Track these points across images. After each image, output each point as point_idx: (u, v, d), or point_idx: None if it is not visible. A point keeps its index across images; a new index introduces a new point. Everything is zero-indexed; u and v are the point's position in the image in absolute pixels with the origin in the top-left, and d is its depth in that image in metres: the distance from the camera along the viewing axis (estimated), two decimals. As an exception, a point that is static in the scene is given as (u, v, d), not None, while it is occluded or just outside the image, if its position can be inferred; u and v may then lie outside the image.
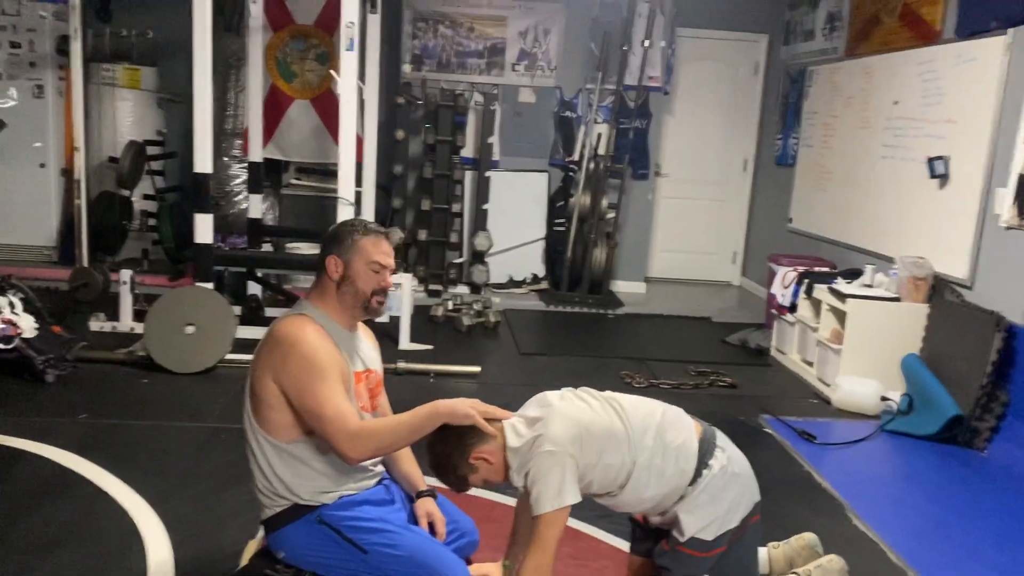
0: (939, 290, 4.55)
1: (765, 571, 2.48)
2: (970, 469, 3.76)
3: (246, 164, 6.03)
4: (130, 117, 6.66)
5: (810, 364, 4.97)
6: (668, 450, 2.09)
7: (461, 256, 6.96)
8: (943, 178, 4.65)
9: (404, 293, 5.13)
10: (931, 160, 4.68)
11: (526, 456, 2.03)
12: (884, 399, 4.33)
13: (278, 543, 2.10)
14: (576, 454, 2.03)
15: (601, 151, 6.96)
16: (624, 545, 2.75)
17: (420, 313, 5.64)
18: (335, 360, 2.04)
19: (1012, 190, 4.08)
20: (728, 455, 2.15)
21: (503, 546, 2.58)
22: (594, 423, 2.07)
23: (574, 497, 2.00)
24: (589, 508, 2.07)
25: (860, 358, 4.52)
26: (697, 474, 2.09)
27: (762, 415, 4.24)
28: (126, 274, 4.90)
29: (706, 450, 2.12)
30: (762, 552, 2.44)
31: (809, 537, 2.56)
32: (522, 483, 2.05)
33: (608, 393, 2.22)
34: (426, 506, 2.26)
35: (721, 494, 2.10)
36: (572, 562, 2.64)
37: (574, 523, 2.88)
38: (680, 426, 2.14)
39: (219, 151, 6.40)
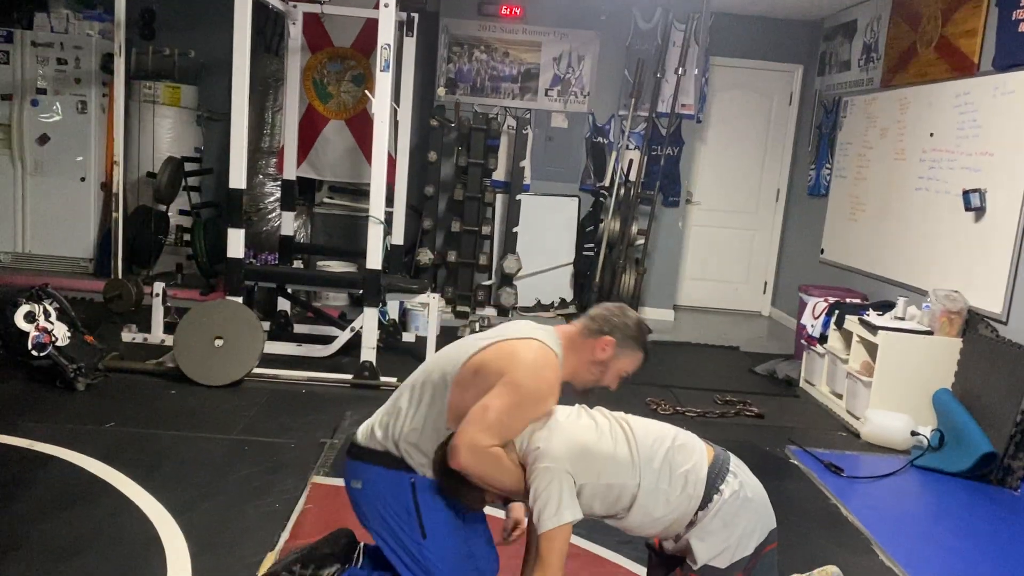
0: (973, 324, 4.47)
1: None
2: (1003, 508, 3.67)
3: (280, 182, 6.11)
4: (169, 133, 6.80)
5: (839, 396, 4.89)
6: (675, 475, 2.06)
7: (490, 278, 6.98)
8: (979, 211, 4.59)
9: (431, 314, 5.15)
10: (967, 192, 4.62)
11: (527, 472, 2.03)
12: (914, 434, 4.25)
13: (359, 473, 2.15)
14: (573, 472, 2.01)
15: (632, 177, 6.97)
16: (642, 572, 2.71)
17: (447, 335, 5.65)
18: (546, 405, 2.07)
19: (1049, 224, 4.01)
20: (740, 480, 2.10)
21: (515, 566, 2.57)
22: (595, 444, 2.05)
23: (573, 514, 1.98)
24: (609, 534, 2.05)
25: (890, 391, 4.45)
26: (707, 499, 2.05)
27: (789, 446, 4.18)
28: (159, 287, 4.98)
29: (716, 475, 2.08)
30: None
31: (832, 570, 2.51)
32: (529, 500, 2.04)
33: (620, 414, 2.20)
34: (516, 512, 2.33)
35: (734, 520, 2.06)
36: (590, 587, 2.61)
37: (593, 547, 2.85)
38: (690, 451, 2.11)
39: (254, 168, 6.51)
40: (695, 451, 2.11)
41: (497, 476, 2.03)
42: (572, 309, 7.13)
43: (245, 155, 4.51)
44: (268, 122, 6.66)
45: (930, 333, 4.51)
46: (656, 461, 2.06)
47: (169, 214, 6.53)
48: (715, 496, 2.05)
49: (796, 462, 3.98)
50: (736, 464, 2.14)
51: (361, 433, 2.21)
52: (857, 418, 4.58)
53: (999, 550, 3.24)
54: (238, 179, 4.49)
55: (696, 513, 2.05)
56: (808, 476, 3.81)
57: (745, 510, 2.07)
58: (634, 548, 2.80)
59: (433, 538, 2.10)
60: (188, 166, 6.53)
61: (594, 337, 2.18)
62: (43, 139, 6.57)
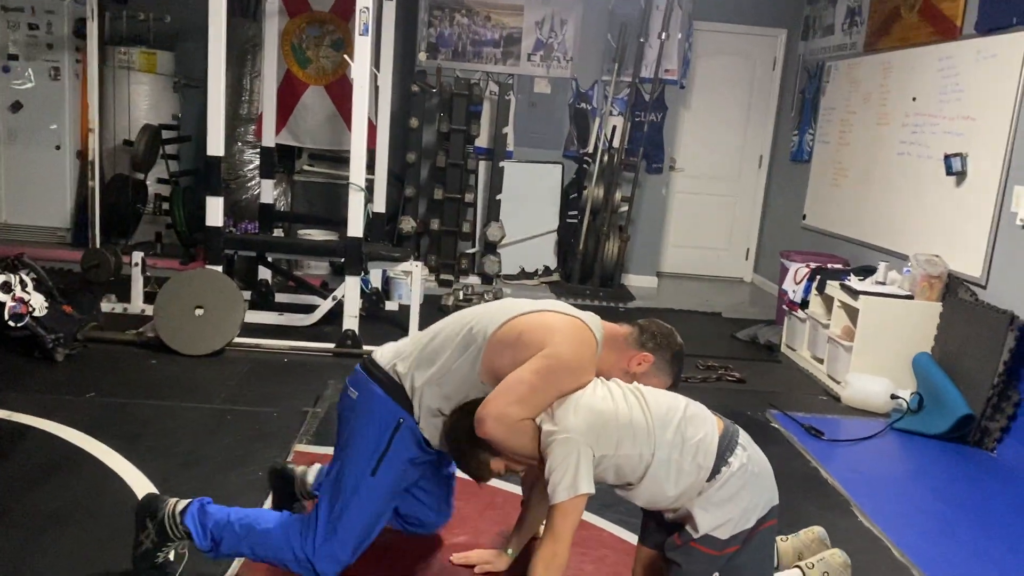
0: (953, 289, 4.51)
1: (774, 564, 2.47)
2: (979, 469, 3.73)
3: (259, 149, 6.03)
4: (146, 101, 6.69)
5: (820, 361, 4.93)
6: (687, 445, 2.07)
7: (473, 246, 6.96)
8: (960, 176, 4.60)
9: (414, 282, 5.13)
10: (948, 157, 4.63)
11: (544, 443, 2.03)
12: (894, 397, 4.29)
13: (362, 386, 2.20)
14: (592, 444, 2.02)
15: (616, 144, 6.94)
16: (626, 535, 2.74)
17: (430, 303, 5.65)
18: (578, 382, 2.09)
19: (1029, 188, 4.03)
20: (748, 454, 2.13)
21: (507, 531, 2.59)
22: (614, 414, 2.06)
23: (588, 486, 1.99)
24: (593, 497, 2.05)
25: (871, 356, 4.48)
26: (716, 471, 2.07)
27: (770, 410, 4.22)
28: (138, 256, 4.93)
29: (726, 447, 2.10)
30: None
31: (818, 530, 2.54)
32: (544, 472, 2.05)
33: (634, 384, 2.21)
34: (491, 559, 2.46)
35: (739, 493, 2.08)
36: (573, 550, 2.61)
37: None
38: (701, 422, 2.12)
39: (233, 136, 6.42)
40: (706, 422, 2.13)
41: (520, 446, 2.05)
42: (556, 277, 7.13)
43: (223, 122, 4.44)
44: (246, 88, 6.56)
45: (910, 298, 4.55)
46: (669, 431, 2.07)
47: (147, 183, 6.43)
48: (723, 468, 2.07)
49: (777, 426, 4.02)
50: (745, 438, 2.17)
51: (382, 356, 2.25)
52: (838, 382, 4.62)
53: (975, 510, 3.30)
54: (216, 147, 4.42)
55: (703, 484, 2.07)
56: (789, 439, 3.85)
57: (751, 484, 2.10)
58: (615, 511, 2.83)
59: (377, 481, 2.15)
60: (166, 134, 6.43)
61: (636, 348, 2.26)
62: (16, 106, 6.45)
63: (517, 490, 2.95)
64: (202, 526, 2.18)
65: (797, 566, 2.32)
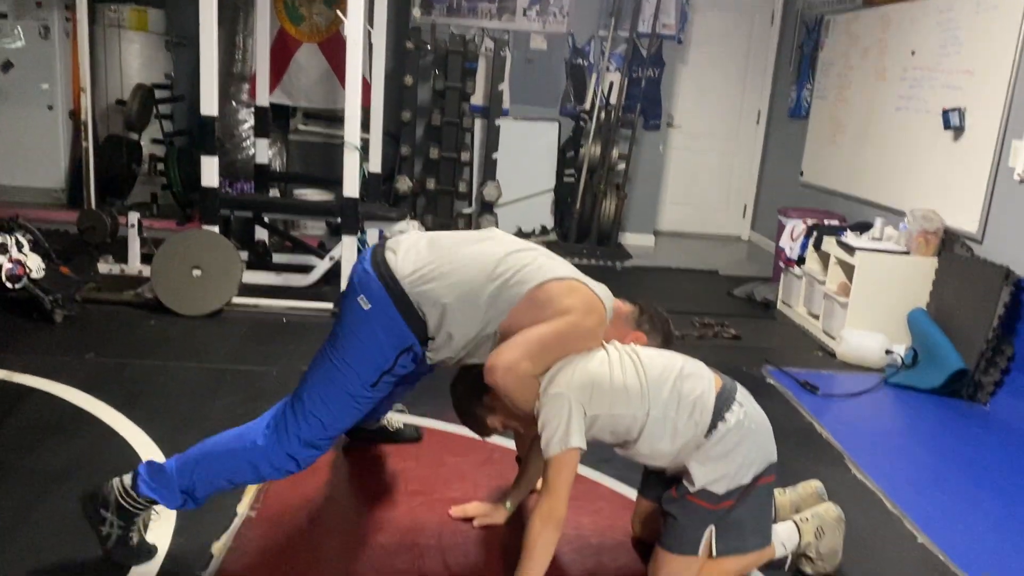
0: (949, 244, 4.52)
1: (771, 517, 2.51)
2: (972, 422, 3.77)
3: (253, 108, 5.98)
4: (137, 60, 6.61)
5: (816, 317, 4.96)
6: (683, 402, 2.09)
7: (470, 206, 6.94)
8: (958, 130, 4.58)
9: (411, 240, 5.13)
10: (946, 112, 4.60)
11: (539, 398, 2.06)
12: (889, 352, 4.32)
13: (375, 300, 2.08)
14: (584, 401, 2.04)
15: (613, 100, 6.88)
16: (623, 489, 2.78)
17: (427, 261, 5.64)
18: (587, 344, 2.12)
19: (1027, 143, 4.01)
20: (746, 411, 2.15)
21: (504, 487, 2.62)
22: (608, 376, 2.08)
23: (579, 441, 2.01)
24: (590, 452, 2.08)
25: (866, 311, 4.51)
26: (712, 427, 2.09)
27: (765, 366, 4.25)
28: (134, 217, 4.92)
29: (723, 404, 2.12)
30: None
31: (815, 484, 2.58)
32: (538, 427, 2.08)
33: (630, 344, 2.23)
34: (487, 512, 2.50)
35: (736, 449, 2.11)
36: (571, 503, 2.65)
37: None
38: (698, 379, 2.15)
39: (226, 95, 6.35)
40: (703, 379, 2.15)
41: (524, 401, 2.07)
42: (553, 236, 7.12)
43: (216, 81, 4.40)
44: (239, 46, 6.47)
45: (906, 253, 4.55)
46: (665, 390, 2.09)
47: (141, 143, 6.39)
48: (720, 424, 2.10)
49: (772, 381, 4.05)
50: (743, 394, 2.19)
51: (399, 267, 2.10)
52: (833, 338, 4.65)
53: (968, 462, 3.34)
54: (210, 106, 4.38)
55: (700, 440, 2.10)
56: (784, 395, 3.88)
57: (747, 440, 2.13)
58: (612, 466, 2.86)
59: (375, 391, 2.13)
60: (159, 93, 6.36)
61: (633, 327, 2.33)
62: (6, 66, 6.38)
63: (514, 446, 2.99)
64: (163, 484, 2.11)
65: (792, 520, 2.36)
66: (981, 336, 3.99)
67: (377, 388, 2.13)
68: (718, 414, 2.10)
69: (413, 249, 2.14)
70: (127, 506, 2.10)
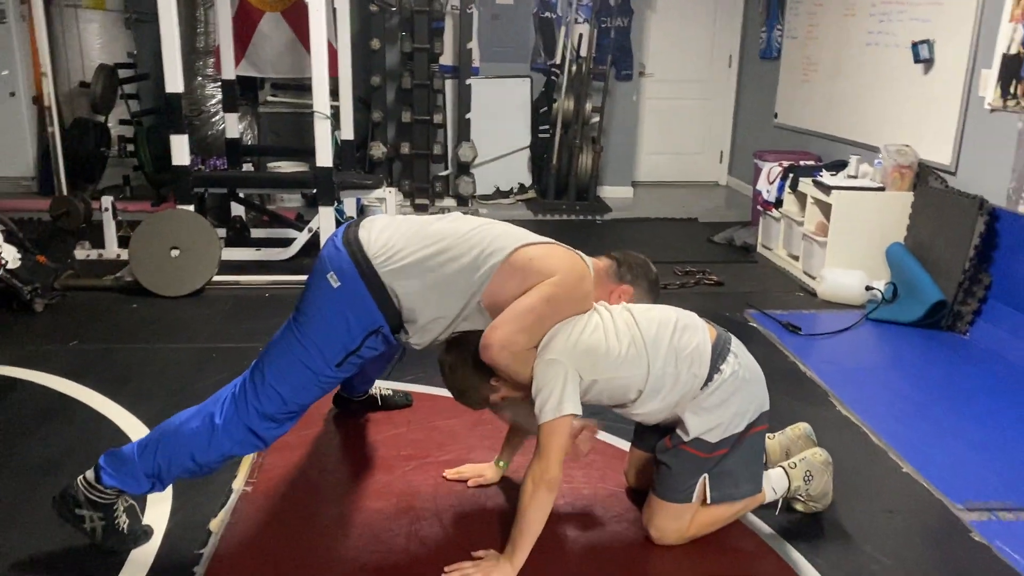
0: (923, 177, 4.54)
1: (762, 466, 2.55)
2: (952, 352, 3.83)
3: (220, 83, 5.89)
4: (98, 39, 6.49)
5: (796, 258, 4.99)
6: (681, 357, 2.10)
7: (446, 168, 6.90)
8: (927, 63, 4.58)
9: (389, 208, 5.10)
10: (915, 44, 4.60)
11: (534, 365, 2.06)
12: (869, 288, 4.37)
13: (346, 278, 2.02)
14: (580, 368, 2.05)
15: (583, 53, 6.82)
16: (614, 440, 2.82)
17: (406, 226, 5.62)
18: (577, 310, 2.11)
19: (996, 71, 4.02)
20: (740, 361, 2.18)
21: (496, 446, 2.65)
22: (603, 344, 2.07)
23: (573, 407, 2.01)
24: (582, 406, 2.09)
25: (845, 249, 4.54)
26: (708, 379, 2.12)
27: (748, 310, 4.29)
28: (107, 200, 4.87)
29: (719, 355, 2.14)
30: None
31: (804, 427, 2.61)
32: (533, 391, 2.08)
33: (622, 304, 2.23)
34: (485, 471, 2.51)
35: (731, 399, 2.14)
36: (562, 458, 2.71)
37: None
38: (693, 332, 2.16)
39: (192, 70, 6.26)
40: (698, 331, 2.16)
41: (522, 374, 2.06)
42: (531, 194, 7.11)
43: (179, 57, 4.32)
44: (200, 20, 6.36)
45: (882, 189, 4.58)
46: (662, 348, 2.10)
47: (109, 125, 6.29)
48: (716, 376, 2.12)
49: (755, 325, 4.09)
50: (737, 345, 2.21)
51: (371, 245, 2.05)
52: (813, 278, 4.69)
53: (949, 391, 3.40)
54: (175, 83, 4.32)
55: (697, 391, 2.12)
56: (767, 337, 3.93)
57: (741, 390, 2.15)
58: (600, 419, 2.89)
59: (339, 371, 2.08)
60: (122, 73, 6.26)
61: (616, 282, 2.31)
62: (-37, 55, 6.23)
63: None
64: (125, 472, 2.07)
65: (781, 466, 2.40)
66: (958, 267, 4.04)
67: (341, 368, 2.08)
68: (714, 366, 2.12)
69: (387, 230, 2.09)
70: (97, 499, 2.07)
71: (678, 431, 2.18)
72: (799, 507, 2.41)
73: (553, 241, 2.16)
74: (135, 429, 2.86)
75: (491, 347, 2.00)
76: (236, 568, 2.11)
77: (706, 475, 2.17)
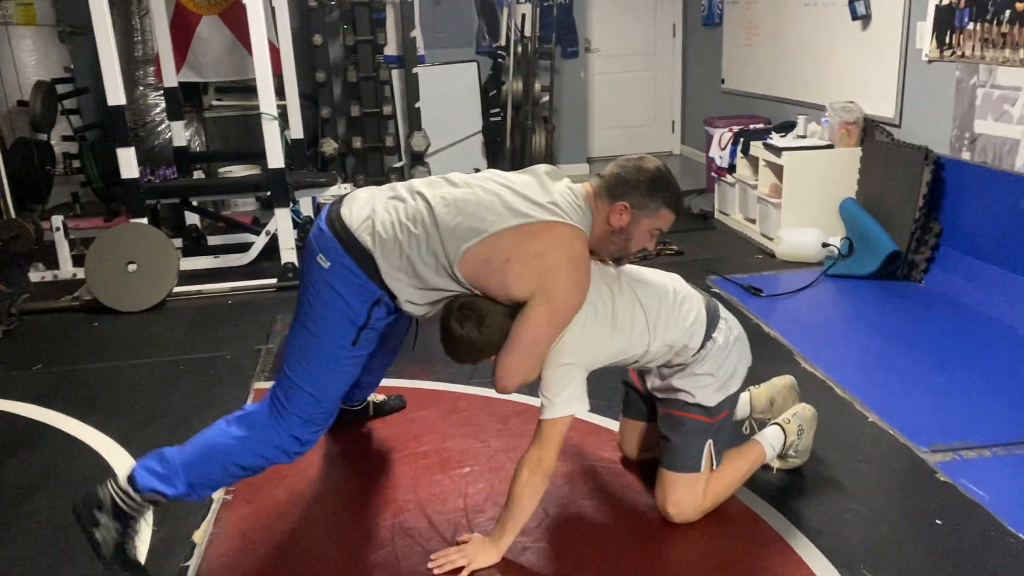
0: (870, 132, 4.63)
1: (747, 412, 2.61)
2: (909, 300, 3.93)
3: (162, 91, 5.80)
4: (32, 56, 6.33)
5: (752, 222, 5.07)
6: (683, 328, 2.13)
7: (400, 160, 6.86)
8: (865, 19, 4.65)
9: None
10: (851, 1, 4.67)
11: (545, 363, 2.03)
12: (825, 245, 4.46)
13: (333, 257, 1.98)
14: (590, 363, 2.07)
15: (527, 33, 6.81)
16: (587, 417, 2.85)
17: (365, 221, 5.59)
18: (583, 295, 1.98)
19: (931, 23, 4.10)
20: (729, 325, 2.23)
21: (473, 433, 2.68)
22: (610, 335, 2.07)
23: (581, 405, 2.02)
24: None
25: (800, 209, 4.62)
26: (702, 345, 2.16)
27: (710, 276, 4.35)
28: (57, 220, 4.78)
29: (711, 322, 2.18)
30: (743, 395, 2.55)
31: (789, 379, 2.67)
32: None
33: (621, 277, 2.15)
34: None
35: (725, 362, 2.19)
36: (538, 438, 2.74)
37: (536, 402, 2.97)
38: (691, 299, 2.19)
39: (132, 80, 6.15)
40: (694, 300, 2.20)
41: (530, 369, 2.02)
42: (487, 177, 7.10)
43: (118, 68, 4.24)
44: (137, 28, 6.23)
45: (831, 147, 4.66)
46: (663, 320, 2.11)
47: (52, 142, 6.16)
48: (708, 343, 2.17)
49: (718, 291, 4.16)
50: (724, 310, 2.27)
51: (353, 219, 1.99)
52: (771, 239, 4.77)
53: (908, 339, 3.49)
54: (116, 95, 4.24)
55: (691, 357, 2.16)
56: (730, 302, 3.99)
57: (733, 353, 2.21)
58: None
59: (357, 350, 2.06)
60: (61, 88, 6.12)
61: (607, 202, 2.02)
62: None
63: (480, 392, 3.05)
64: (167, 473, 2.02)
65: (776, 423, 2.45)
66: (909, 217, 4.13)
67: (358, 346, 2.05)
68: (708, 333, 2.17)
69: (369, 203, 2.05)
70: (124, 507, 2.01)
71: (679, 398, 2.20)
72: (777, 464, 2.46)
73: (537, 216, 1.94)
74: (109, 448, 2.84)
75: (507, 389, 2.01)
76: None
77: (711, 440, 2.20)
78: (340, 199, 2.12)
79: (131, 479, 2.02)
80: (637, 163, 2.06)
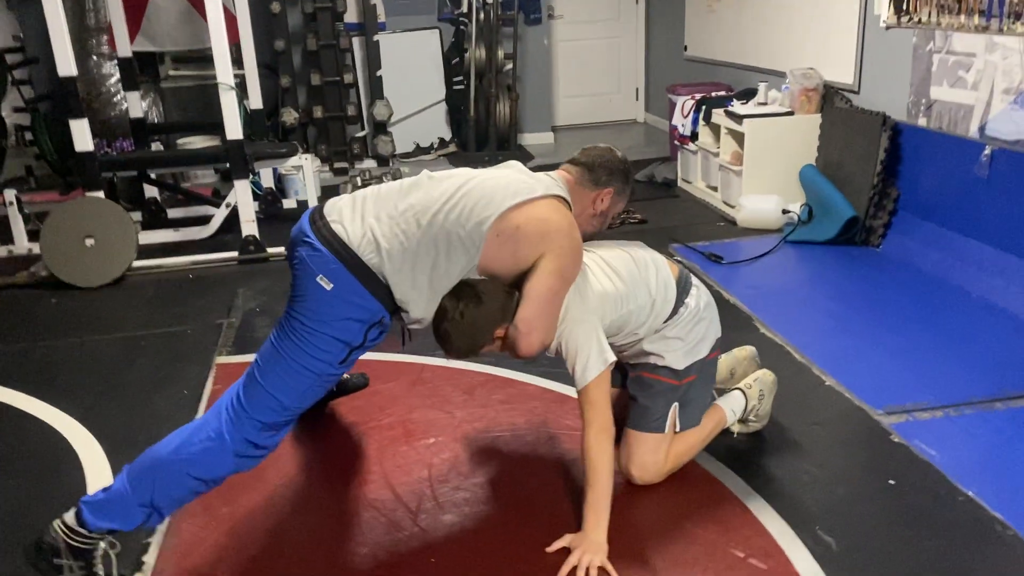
0: (829, 99, 4.66)
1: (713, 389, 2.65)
2: (867, 265, 3.99)
3: (116, 61, 5.66)
4: (-22, 25, 6.14)
5: (714, 189, 5.10)
6: (659, 291, 2.18)
7: (363, 129, 6.79)
8: (825, -15, 4.67)
9: (308, 176, 5.03)
10: (812, -32, 4.68)
11: (561, 331, 2.06)
12: (785, 212, 4.51)
13: (338, 276, 1.91)
14: (601, 315, 2.10)
15: None
16: (551, 385, 2.89)
17: (328, 194, 5.55)
18: (580, 260, 2.07)
19: (889, -11, 4.13)
20: (700, 292, 2.29)
21: (438, 404, 2.68)
22: (608, 291, 2.12)
23: (610, 354, 2.05)
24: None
25: (761, 176, 4.66)
26: (675, 310, 2.21)
27: (672, 244, 4.38)
28: (10, 194, 4.67)
29: (683, 288, 2.24)
30: None
31: (750, 349, 2.72)
32: (553, 348, 2.08)
33: (595, 256, 2.20)
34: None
35: (695, 328, 2.24)
36: (502, 407, 2.76)
37: (502, 372, 3.00)
38: (660, 264, 2.24)
39: (85, 50, 6.00)
40: (660, 263, 2.25)
41: (543, 342, 2.03)
42: (452, 148, 7.06)
43: (68, 37, 4.12)
44: (88, -5, 6.08)
45: (791, 114, 4.69)
46: (640, 286, 2.17)
47: (3, 114, 6.00)
48: (681, 308, 2.22)
49: (680, 258, 4.19)
50: (695, 278, 2.32)
51: (351, 236, 1.93)
52: (732, 207, 4.81)
53: (867, 302, 3.56)
54: (67, 65, 4.13)
55: (664, 323, 2.21)
56: (692, 269, 4.01)
57: (703, 319, 2.27)
58: (539, 366, 2.96)
59: (342, 367, 2.01)
60: (10, 58, 5.96)
61: (592, 188, 2.19)
62: None
63: (445, 363, 3.05)
64: (114, 509, 1.92)
65: (738, 388, 2.49)
66: (867, 182, 4.18)
67: (345, 364, 2.01)
68: (679, 299, 2.22)
69: (358, 214, 1.98)
70: (79, 545, 1.91)
71: (649, 361, 2.25)
72: (737, 428, 2.51)
73: (535, 193, 2.02)
74: (67, 425, 2.81)
75: (531, 344, 1.98)
76: (190, 552, 2.12)
77: (676, 404, 2.25)
78: (320, 211, 2.03)
79: (80, 519, 1.92)
80: (610, 152, 2.27)
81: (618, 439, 2.19)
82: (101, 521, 1.92)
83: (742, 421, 2.50)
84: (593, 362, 2.02)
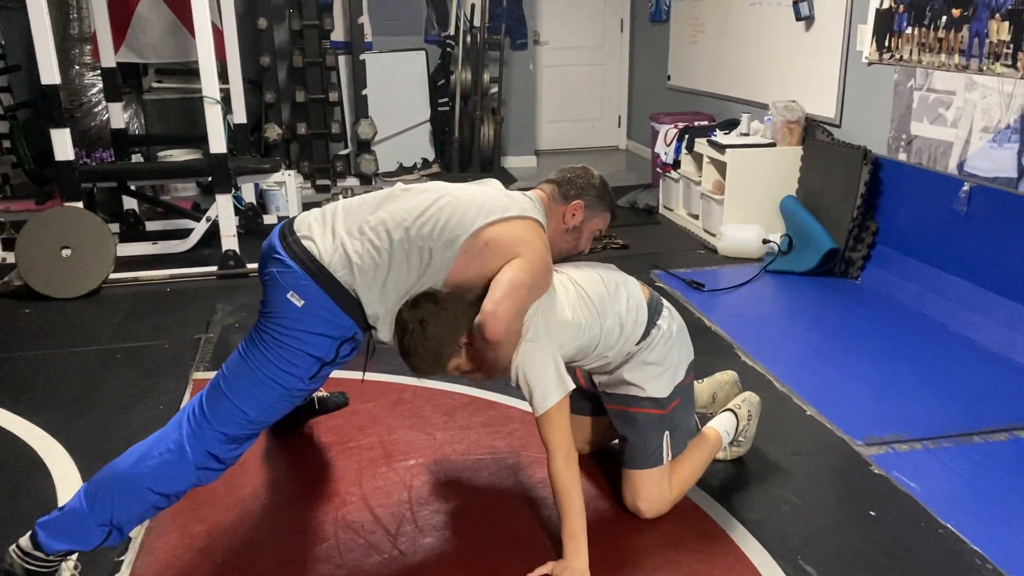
0: (811, 131, 4.73)
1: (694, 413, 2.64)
2: (846, 296, 4.03)
3: (100, 71, 5.62)
4: (-41, 31, 6.08)
5: (696, 217, 5.14)
6: (625, 311, 2.15)
7: (346, 147, 6.78)
8: (808, 19, 4.75)
9: (290, 192, 5.00)
10: (796, 2, 4.75)
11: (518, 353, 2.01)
12: (766, 241, 4.55)
13: (308, 293, 1.89)
14: (562, 342, 2.06)
15: (476, 23, 6.79)
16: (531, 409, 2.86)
17: (310, 209, 5.52)
18: (549, 277, 2.05)
19: (871, 25, 4.20)
20: (672, 315, 2.27)
21: (419, 425, 2.66)
22: (573, 319, 2.08)
23: (568, 383, 2.00)
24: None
25: (742, 205, 4.70)
26: (646, 334, 2.18)
27: (653, 271, 4.40)
28: (-14, 202, 4.61)
29: (655, 310, 2.22)
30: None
31: (731, 375, 2.72)
32: (513, 377, 2.02)
33: (565, 276, 2.17)
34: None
35: (670, 352, 2.21)
36: (484, 429, 2.74)
37: (484, 394, 2.98)
38: (628, 285, 2.21)
39: (68, 59, 5.96)
40: (631, 285, 2.22)
41: (506, 353, 1.97)
42: (435, 168, 7.07)
43: (52, 45, 4.09)
44: (73, 4, 6.04)
45: (773, 145, 4.75)
46: (608, 308, 2.12)
47: (-20, 122, 5.94)
48: (653, 331, 2.19)
49: (661, 284, 4.21)
50: (666, 302, 2.30)
51: (322, 252, 1.92)
52: (713, 235, 4.84)
53: (845, 333, 3.59)
54: (50, 74, 4.09)
55: (636, 345, 2.17)
56: (673, 296, 4.04)
57: (676, 343, 2.24)
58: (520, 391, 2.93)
59: (310, 385, 1.98)
60: (-10, 65, 5.90)
61: (562, 203, 2.19)
62: None
63: (426, 384, 3.03)
64: (71, 531, 1.87)
65: (728, 410, 2.49)
66: (847, 215, 4.24)
67: (316, 380, 1.99)
68: (651, 321, 2.19)
69: (329, 230, 1.97)
70: (37, 569, 1.88)
71: (631, 393, 2.21)
72: (720, 455, 2.50)
73: (510, 213, 2.01)
74: (39, 439, 2.75)
75: (497, 323, 1.87)
76: (163, 572, 2.07)
77: (667, 432, 2.22)
78: (290, 225, 2.01)
79: (35, 542, 1.88)
80: (584, 170, 2.27)
81: (596, 460, 2.18)
82: (59, 543, 1.87)
83: (731, 443, 2.50)
84: (552, 389, 1.97)
